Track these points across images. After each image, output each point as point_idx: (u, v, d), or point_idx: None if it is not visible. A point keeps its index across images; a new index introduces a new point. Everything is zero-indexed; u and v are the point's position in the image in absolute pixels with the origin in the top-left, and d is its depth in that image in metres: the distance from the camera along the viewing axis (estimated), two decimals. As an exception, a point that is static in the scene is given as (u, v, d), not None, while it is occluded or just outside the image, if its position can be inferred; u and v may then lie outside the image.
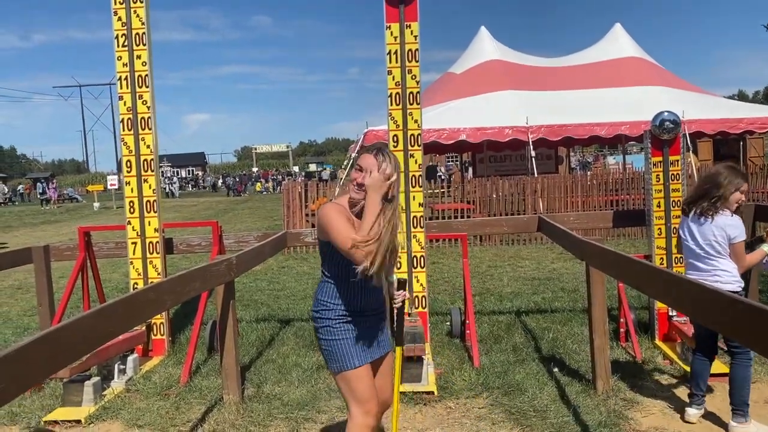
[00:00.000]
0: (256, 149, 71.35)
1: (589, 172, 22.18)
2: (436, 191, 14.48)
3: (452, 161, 31.17)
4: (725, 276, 3.85)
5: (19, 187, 53.71)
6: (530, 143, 12.56)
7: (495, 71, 14.54)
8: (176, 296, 3.45)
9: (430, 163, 25.88)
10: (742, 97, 79.12)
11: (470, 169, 21.05)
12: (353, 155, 14.70)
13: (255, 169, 62.85)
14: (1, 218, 28.12)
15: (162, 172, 58.77)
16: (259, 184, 49.40)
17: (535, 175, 12.48)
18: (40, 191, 39.29)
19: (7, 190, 49.60)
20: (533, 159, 12.67)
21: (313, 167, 61.39)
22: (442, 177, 20.37)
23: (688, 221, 3.98)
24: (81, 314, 2.64)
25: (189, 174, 70.14)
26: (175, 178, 51.99)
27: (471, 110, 13.23)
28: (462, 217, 12.29)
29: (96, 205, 32.36)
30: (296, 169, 61.39)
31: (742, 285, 3.96)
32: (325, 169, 53.11)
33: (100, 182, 51.75)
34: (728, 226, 3.79)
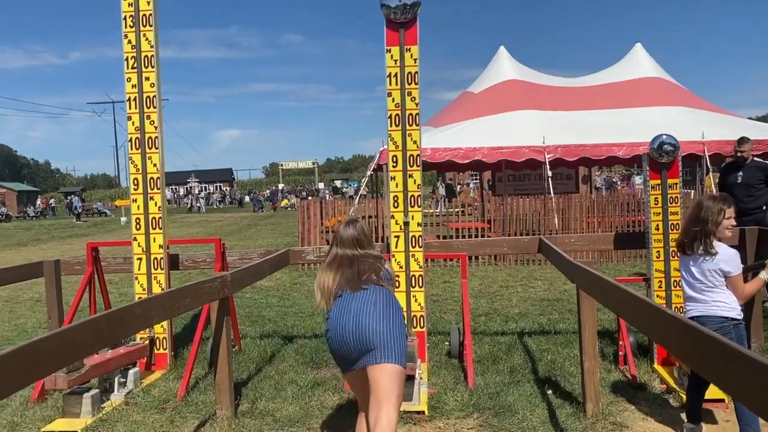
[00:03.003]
0: (282, 165, 72.11)
1: (613, 192, 22.03)
2: (451, 210, 14.49)
3: (474, 179, 31.15)
4: (723, 306, 3.78)
5: (37, 201, 54.68)
6: (546, 163, 12.54)
7: (513, 91, 14.55)
8: (165, 312, 3.55)
9: (449, 181, 25.92)
10: (774, 117, 77.50)
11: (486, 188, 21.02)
12: (369, 173, 14.83)
13: (281, 186, 63.47)
14: (31, 231, 28.86)
15: (190, 187, 60.01)
16: (285, 200, 49.90)
17: (551, 194, 12.44)
18: (79, 204, 40.16)
19: (39, 203, 50.91)
20: (549, 179, 12.63)
21: (338, 183, 61.92)
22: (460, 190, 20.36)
23: (686, 261, 3.92)
24: (63, 327, 2.75)
25: (216, 189, 71.15)
26: (202, 194, 52.79)
27: (488, 129, 13.25)
28: (478, 236, 12.30)
29: (123, 219, 32.99)
30: (321, 185, 61.86)
31: (741, 315, 3.89)
32: (350, 186, 53.56)
33: (129, 197, 52.65)
34: (722, 261, 3.73)
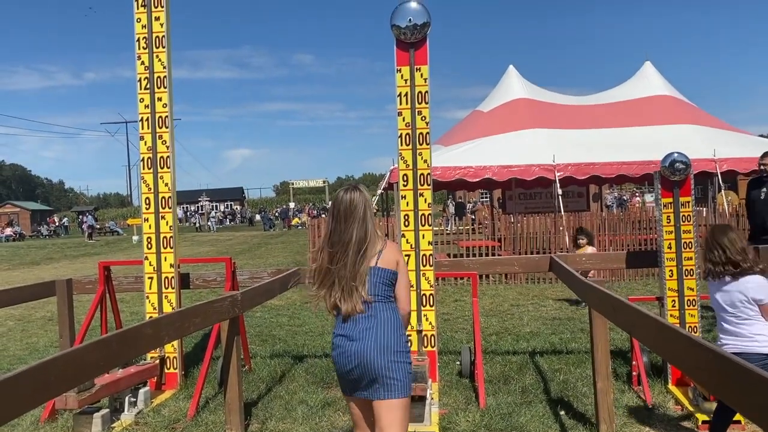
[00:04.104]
0: (293, 184, 72.40)
1: (624, 210, 21.96)
2: (461, 228, 14.47)
3: (484, 198, 31.14)
4: (762, 340, 3.60)
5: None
6: (557, 181, 12.52)
7: (522, 109, 14.58)
8: (175, 332, 3.55)
9: (459, 200, 25.90)
10: (787, 133, 76.91)
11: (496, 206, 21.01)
12: (380, 192, 14.85)
13: (292, 204, 63.67)
14: (44, 250, 29.05)
15: (201, 206, 60.46)
16: (296, 218, 50.02)
17: (562, 212, 12.40)
18: (93, 223, 40.47)
19: (57, 222, 51.53)
20: (560, 197, 12.60)
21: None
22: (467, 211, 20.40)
23: (714, 287, 3.79)
24: (74, 347, 2.75)
25: (227, 208, 71.53)
26: (213, 213, 53.00)
27: (498, 148, 13.27)
28: (489, 255, 12.27)
29: (135, 238, 33.15)
30: (332, 204, 61.89)
31: None
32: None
33: (140, 216, 53.04)
34: (750, 289, 3.59)
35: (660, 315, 5.09)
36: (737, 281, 3.64)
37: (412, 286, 5.29)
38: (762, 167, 7.48)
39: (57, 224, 53.61)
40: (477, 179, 13.04)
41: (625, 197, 36.26)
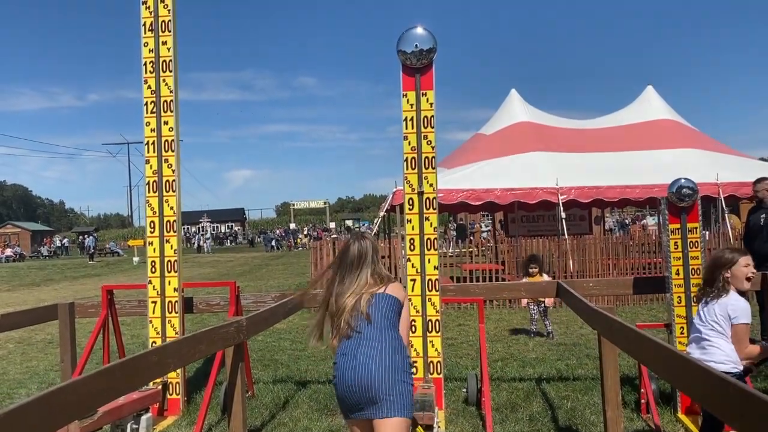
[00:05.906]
0: (294, 205, 72.52)
1: (626, 233, 21.92)
2: (464, 251, 14.43)
3: (489, 220, 31.12)
4: (719, 354, 3.76)
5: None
6: (560, 204, 12.50)
7: (525, 133, 14.61)
8: (180, 359, 3.48)
9: (461, 222, 25.83)
10: (787, 157, 77.07)
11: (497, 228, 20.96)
12: (382, 213, 14.83)
13: (293, 225, 63.72)
14: (44, 271, 28.97)
15: (201, 227, 60.49)
16: (298, 239, 50.11)
17: (565, 236, 12.37)
18: (92, 245, 40.51)
19: (57, 243, 51.49)
20: (563, 220, 12.57)
21: (350, 223, 62.20)
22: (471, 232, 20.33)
23: (699, 307, 4.00)
24: (79, 377, 2.70)
25: (228, 229, 71.52)
26: (207, 234, 53.06)
27: (500, 171, 13.28)
28: (492, 278, 12.21)
29: (135, 259, 33.11)
30: (333, 225, 62.05)
31: (740, 369, 3.82)
32: (364, 225, 53.78)
33: (141, 237, 53.09)
34: (730, 305, 3.76)
35: (668, 342, 5.03)
36: (722, 297, 3.82)
37: (413, 324, 5.28)
38: (755, 194, 7.50)
39: (58, 245, 53.55)
40: (480, 202, 13.02)
41: (626, 220, 36.21)
